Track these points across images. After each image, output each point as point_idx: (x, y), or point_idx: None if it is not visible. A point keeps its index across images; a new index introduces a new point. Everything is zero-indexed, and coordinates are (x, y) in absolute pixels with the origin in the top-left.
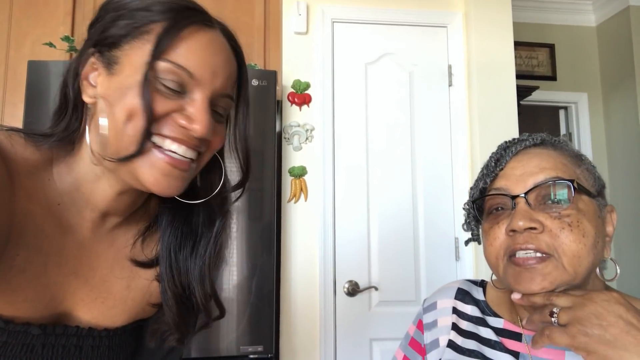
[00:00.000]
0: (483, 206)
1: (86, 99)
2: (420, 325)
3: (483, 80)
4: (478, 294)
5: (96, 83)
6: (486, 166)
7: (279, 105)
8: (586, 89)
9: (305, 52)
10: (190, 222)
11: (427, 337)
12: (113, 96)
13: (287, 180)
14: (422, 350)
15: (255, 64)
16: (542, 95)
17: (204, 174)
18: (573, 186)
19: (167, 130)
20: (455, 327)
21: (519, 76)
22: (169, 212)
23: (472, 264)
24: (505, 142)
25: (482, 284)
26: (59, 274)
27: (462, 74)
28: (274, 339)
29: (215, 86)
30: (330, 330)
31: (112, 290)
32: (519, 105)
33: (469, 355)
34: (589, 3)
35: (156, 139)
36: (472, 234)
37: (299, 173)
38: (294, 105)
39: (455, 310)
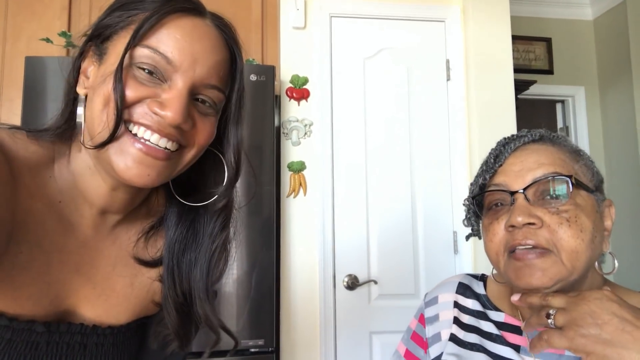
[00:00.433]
0: (483, 202)
1: (79, 90)
2: (422, 319)
3: (481, 75)
4: (479, 288)
5: (90, 75)
6: (485, 162)
7: (277, 100)
8: (583, 82)
9: (303, 47)
10: (195, 227)
11: (429, 331)
12: (96, 85)
13: (286, 175)
14: (424, 343)
15: (253, 59)
16: (540, 89)
17: (210, 177)
18: (571, 182)
19: (140, 117)
20: (456, 320)
21: (516, 70)
22: (175, 214)
23: (471, 257)
24: (504, 138)
25: (482, 278)
26: (61, 271)
27: (460, 68)
28: (275, 333)
29: (196, 74)
30: (330, 324)
31: (115, 287)
32: (516, 99)
33: (471, 349)
34: None
35: (130, 126)
36: (472, 229)
37: (298, 168)
38: (292, 100)
39: (456, 304)
